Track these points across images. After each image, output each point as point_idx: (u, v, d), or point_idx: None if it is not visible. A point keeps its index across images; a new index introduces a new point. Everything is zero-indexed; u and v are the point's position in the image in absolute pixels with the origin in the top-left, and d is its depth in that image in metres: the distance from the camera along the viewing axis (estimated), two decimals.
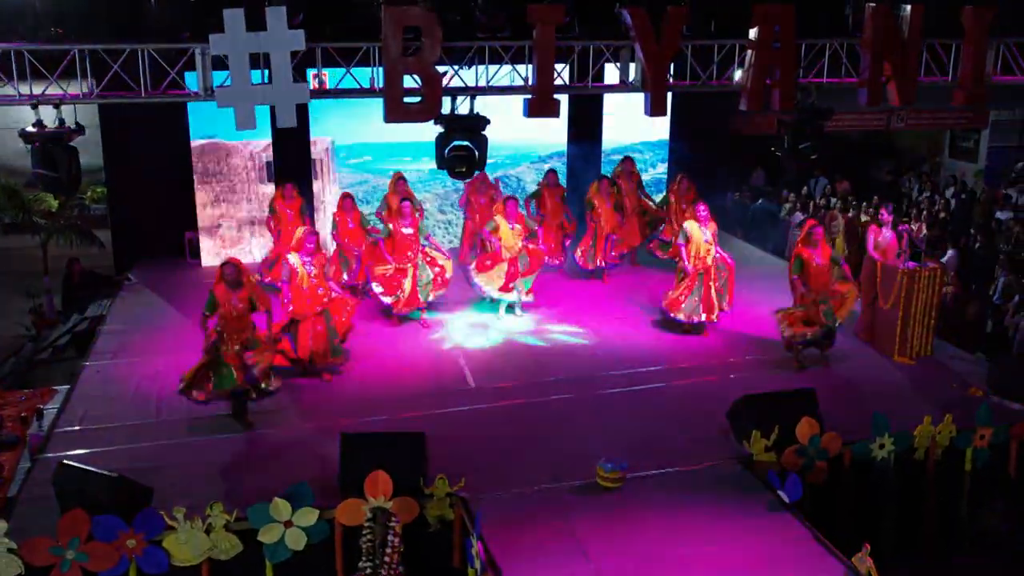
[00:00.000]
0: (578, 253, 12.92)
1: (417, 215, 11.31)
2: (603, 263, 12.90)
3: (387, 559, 6.83)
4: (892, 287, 10.13)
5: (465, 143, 9.12)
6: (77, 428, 8.74)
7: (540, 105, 9.29)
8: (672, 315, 10.90)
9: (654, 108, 9.04)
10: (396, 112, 8.79)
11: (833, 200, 16.40)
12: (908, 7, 8.90)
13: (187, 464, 8.09)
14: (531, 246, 11.30)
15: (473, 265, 11.48)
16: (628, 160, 13.57)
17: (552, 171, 13.25)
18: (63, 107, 8.46)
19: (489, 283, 11.29)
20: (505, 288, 11.32)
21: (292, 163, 13.41)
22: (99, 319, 11.82)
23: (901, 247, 10.15)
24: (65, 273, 13.02)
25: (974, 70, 9.59)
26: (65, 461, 7.25)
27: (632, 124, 14.96)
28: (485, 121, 9.39)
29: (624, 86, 9.67)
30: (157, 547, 6.79)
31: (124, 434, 8.61)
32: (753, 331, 11.07)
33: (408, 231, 10.82)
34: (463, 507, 7.27)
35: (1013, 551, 8.30)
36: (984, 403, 8.71)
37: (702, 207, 10.85)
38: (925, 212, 15.42)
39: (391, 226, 10.86)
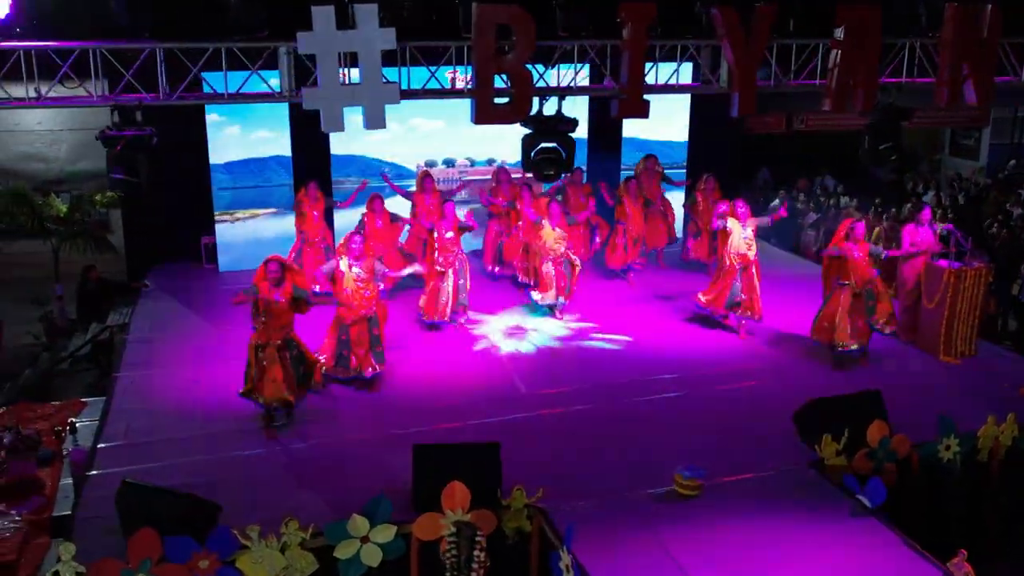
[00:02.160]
0: (607, 253, 12.77)
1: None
2: (630, 264, 12.78)
3: (474, 575, 6.63)
4: (937, 287, 10.11)
5: (553, 145, 8.87)
6: (122, 443, 8.40)
7: (631, 105, 9.10)
8: (710, 310, 10.78)
9: (742, 108, 8.87)
10: (486, 113, 8.57)
11: (844, 199, 16.42)
12: (988, 6, 8.84)
13: (244, 478, 7.81)
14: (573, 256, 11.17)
15: (535, 283, 11.34)
16: (651, 157, 13.40)
17: (577, 168, 13.05)
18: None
19: (545, 298, 11.22)
20: (559, 293, 11.23)
21: (311, 162, 13.07)
22: (121, 328, 11.42)
23: (949, 247, 10.12)
24: (80, 280, 12.54)
25: None
26: (128, 479, 6.94)
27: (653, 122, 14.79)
28: (574, 123, 9.15)
29: (706, 85, 9.50)
30: (231, 567, 6.52)
31: (173, 448, 8.28)
32: (787, 329, 11.02)
33: (450, 234, 10.57)
34: (543, 518, 7.08)
35: None
36: None
37: (741, 204, 10.74)
38: (940, 212, 15.47)
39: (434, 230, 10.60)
